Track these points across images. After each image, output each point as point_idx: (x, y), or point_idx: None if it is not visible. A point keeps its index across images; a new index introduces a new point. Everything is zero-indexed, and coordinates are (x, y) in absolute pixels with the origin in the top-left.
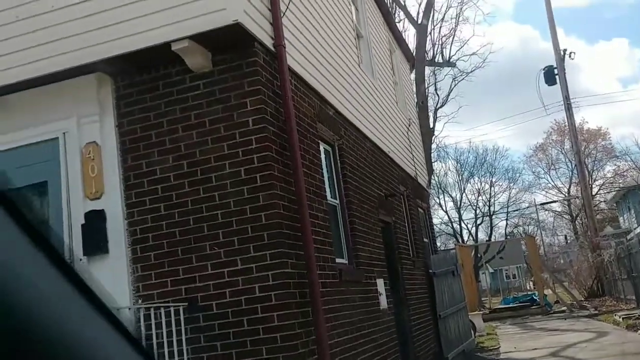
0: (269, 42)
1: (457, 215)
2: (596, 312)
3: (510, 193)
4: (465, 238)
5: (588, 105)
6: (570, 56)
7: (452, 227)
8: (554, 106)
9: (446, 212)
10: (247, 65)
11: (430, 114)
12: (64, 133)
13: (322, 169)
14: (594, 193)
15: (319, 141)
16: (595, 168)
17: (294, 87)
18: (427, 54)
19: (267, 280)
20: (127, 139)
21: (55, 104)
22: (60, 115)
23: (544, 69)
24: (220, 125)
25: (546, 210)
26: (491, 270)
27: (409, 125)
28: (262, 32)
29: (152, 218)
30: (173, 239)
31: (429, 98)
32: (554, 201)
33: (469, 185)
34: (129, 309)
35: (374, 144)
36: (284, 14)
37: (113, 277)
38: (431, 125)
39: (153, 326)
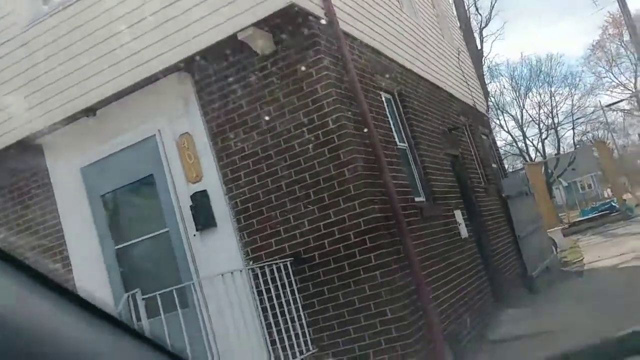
0: (321, 14)
1: (520, 134)
2: None
3: (572, 100)
4: (533, 155)
5: None
6: None
7: (517, 147)
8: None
9: (508, 132)
10: (306, 39)
11: (476, 35)
12: (158, 130)
13: (387, 117)
14: None
15: (380, 92)
16: None
17: (350, 47)
18: None
19: (359, 226)
20: (213, 124)
21: (146, 107)
22: (152, 116)
23: None
24: (293, 97)
25: (614, 110)
26: (565, 184)
27: (459, 55)
28: (314, 6)
29: (249, 189)
30: (270, 204)
31: (471, 19)
32: (621, 100)
33: (527, 100)
34: (242, 271)
35: (429, 82)
36: None
37: (224, 246)
38: (479, 47)
39: (269, 282)
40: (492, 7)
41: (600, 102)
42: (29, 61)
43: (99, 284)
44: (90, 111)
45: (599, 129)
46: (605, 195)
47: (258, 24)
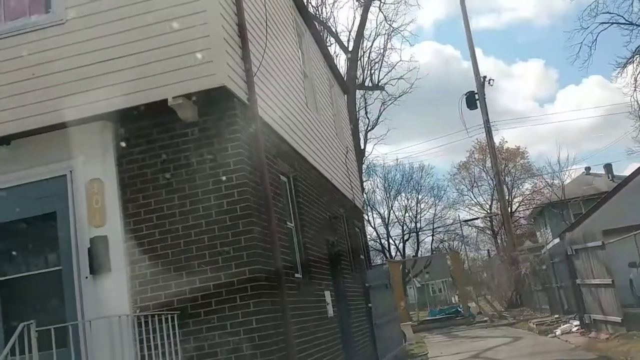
0: (244, 97)
1: (385, 232)
2: (514, 321)
3: (435, 210)
4: (393, 254)
5: (507, 127)
6: (489, 83)
7: (381, 243)
8: (475, 128)
9: (375, 228)
10: (227, 117)
11: (361, 136)
12: (70, 171)
13: (282, 198)
14: (513, 210)
15: (279, 174)
16: (514, 185)
17: (261, 131)
18: (357, 79)
19: (246, 291)
20: (125, 176)
21: (64, 146)
22: (68, 155)
23: (465, 94)
24: (206, 165)
25: (470, 226)
26: (418, 285)
27: (347, 153)
28: (239, 89)
29: (148, 242)
30: (166, 259)
31: (359, 121)
32: (476, 218)
33: (396, 202)
34: (128, 316)
35: (319, 172)
36: (255, 73)
37: (115, 291)
38: (362, 147)
39: (154, 331)
40: (380, 113)
41: (459, 216)
42: None
43: None
44: (4, 140)
45: (454, 240)
46: (453, 301)
47: (188, 96)
